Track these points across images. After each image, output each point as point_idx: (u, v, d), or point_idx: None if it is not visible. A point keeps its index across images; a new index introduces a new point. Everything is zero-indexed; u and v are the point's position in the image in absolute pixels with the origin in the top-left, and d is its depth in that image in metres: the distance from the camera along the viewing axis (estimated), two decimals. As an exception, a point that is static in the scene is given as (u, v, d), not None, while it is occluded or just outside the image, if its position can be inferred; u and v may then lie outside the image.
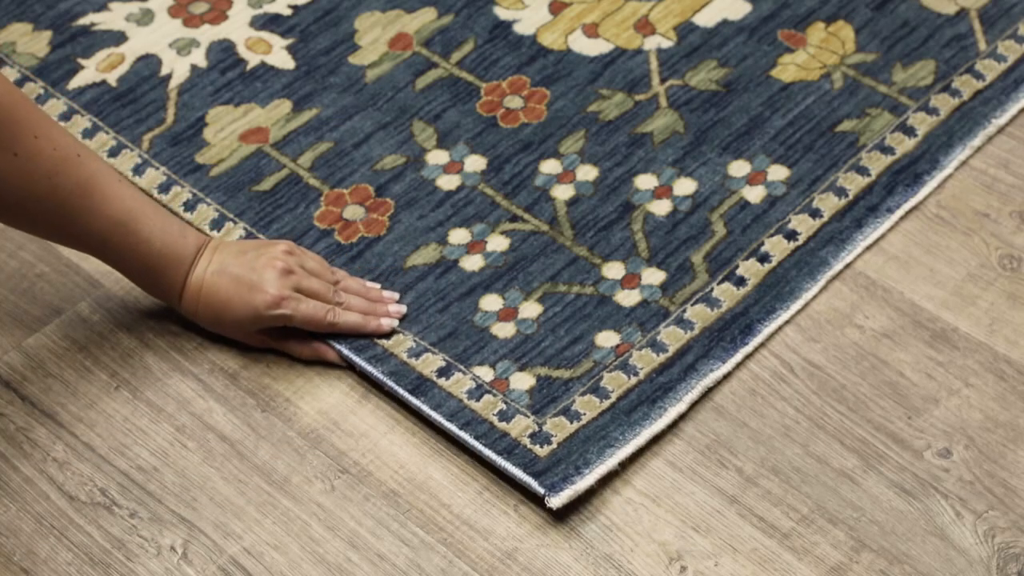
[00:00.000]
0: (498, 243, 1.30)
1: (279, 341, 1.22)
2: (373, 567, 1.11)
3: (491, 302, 1.25)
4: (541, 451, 1.15)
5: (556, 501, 1.12)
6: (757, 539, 1.11)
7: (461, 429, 1.16)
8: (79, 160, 1.14)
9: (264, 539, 1.12)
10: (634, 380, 1.19)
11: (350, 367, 1.22)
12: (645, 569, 1.10)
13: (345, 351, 1.22)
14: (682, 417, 1.18)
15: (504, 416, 1.17)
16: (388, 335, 1.22)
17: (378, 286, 1.26)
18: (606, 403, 1.18)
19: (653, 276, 1.26)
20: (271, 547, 1.12)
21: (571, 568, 1.10)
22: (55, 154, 1.12)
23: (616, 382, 1.19)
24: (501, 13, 1.49)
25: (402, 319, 1.24)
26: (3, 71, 1.45)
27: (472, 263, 1.28)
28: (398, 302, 1.25)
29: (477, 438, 1.16)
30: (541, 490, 1.12)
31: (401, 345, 1.22)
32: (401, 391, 1.19)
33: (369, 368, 1.20)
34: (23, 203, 1.12)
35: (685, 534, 1.11)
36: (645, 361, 1.20)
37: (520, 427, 1.16)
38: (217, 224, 1.32)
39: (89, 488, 1.16)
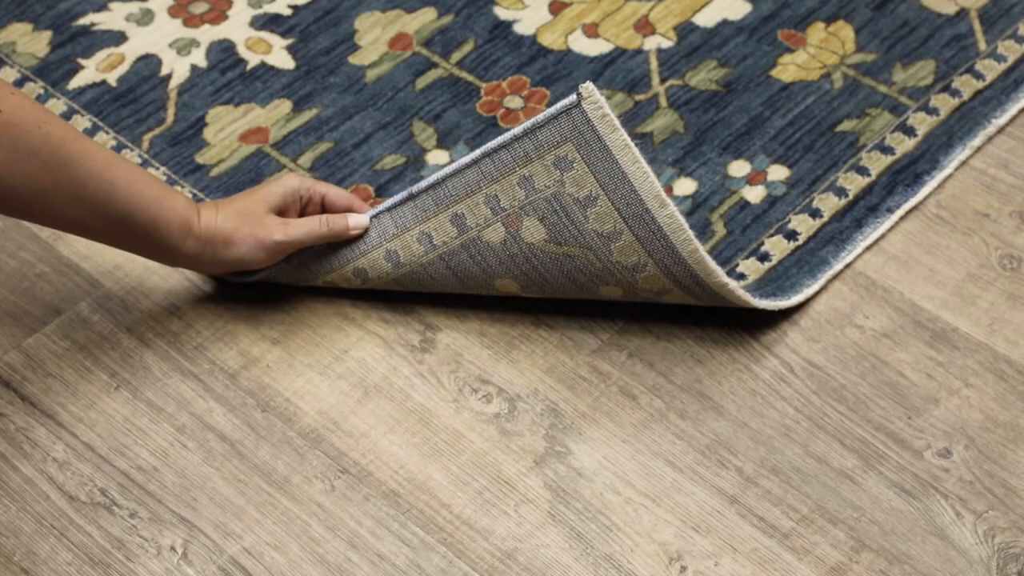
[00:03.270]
0: (498, 243, 1.30)
1: (300, 220, 1.21)
2: (373, 567, 1.11)
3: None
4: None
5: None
6: (757, 539, 1.11)
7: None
8: (55, 114, 1.13)
9: (264, 539, 1.12)
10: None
11: (350, 369, 1.22)
12: (645, 569, 1.10)
13: (374, 211, 1.22)
14: (682, 417, 1.18)
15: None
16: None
17: None
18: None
19: (653, 276, 1.26)
20: (271, 547, 1.12)
21: (571, 568, 1.10)
22: (35, 107, 1.10)
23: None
24: (501, 13, 1.49)
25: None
26: (3, 71, 1.45)
27: (472, 263, 1.28)
28: None
29: None
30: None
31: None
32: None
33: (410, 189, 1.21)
34: (20, 160, 1.09)
35: (685, 534, 1.11)
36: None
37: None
38: (217, 224, 1.32)
39: (89, 488, 1.16)
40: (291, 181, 1.22)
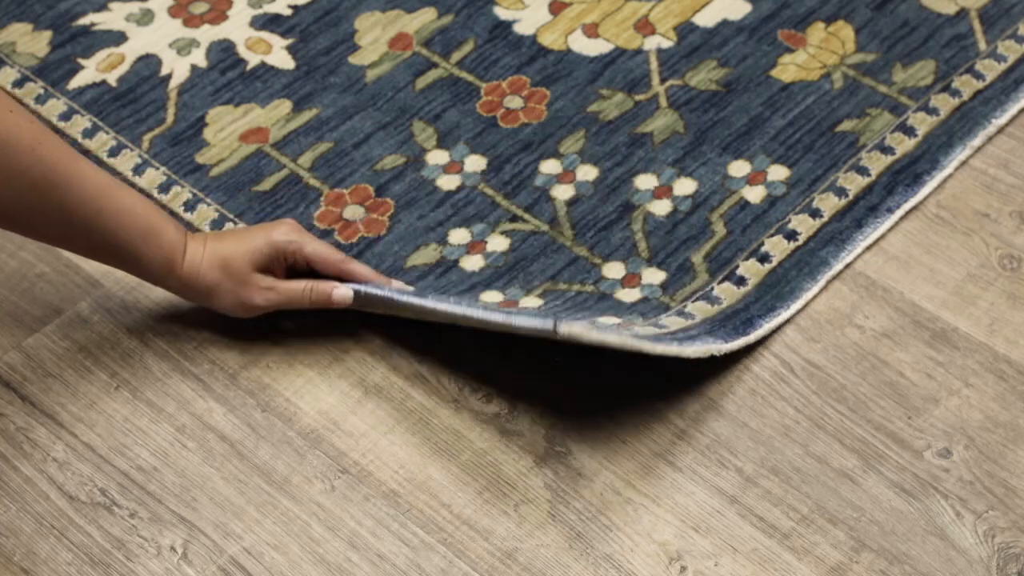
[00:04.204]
0: (498, 243, 1.30)
1: (282, 282, 1.20)
2: (373, 567, 1.11)
3: (491, 299, 1.25)
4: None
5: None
6: (757, 539, 1.11)
7: None
8: (53, 135, 1.12)
9: (264, 539, 1.12)
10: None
11: (349, 371, 1.22)
12: (645, 569, 1.10)
13: (361, 289, 1.21)
14: (682, 417, 1.18)
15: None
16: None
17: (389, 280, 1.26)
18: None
19: (653, 276, 1.26)
20: (271, 547, 1.12)
21: (571, 568, 1.10)
22: (32, 127, 1.10)
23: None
24: (501, 13, 1.49)
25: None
26: (3, 71, 1.45)
27: (472, 263, 1.28)
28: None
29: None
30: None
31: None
32: (416, 299, 1.19)
33: (372, 291, 1.21)
34: (10, 180, 1.08)
35: (685, 534, 1.11)
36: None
37: None
38: (217, 224, 1.32)
39: (89, 488, 1.16)
40: (279, 238, 1.19)
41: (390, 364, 1.22)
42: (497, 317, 1.13)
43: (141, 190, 1.34)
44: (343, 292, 1.21)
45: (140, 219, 1.15)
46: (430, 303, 1.17)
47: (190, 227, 1.31)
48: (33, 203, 1.11)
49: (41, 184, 1.10)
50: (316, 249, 1.20)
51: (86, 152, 1.38)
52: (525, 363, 1.22)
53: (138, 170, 1.36)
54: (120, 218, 1.14)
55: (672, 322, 1.21)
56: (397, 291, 1.20)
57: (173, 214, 1.32)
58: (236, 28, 1.49)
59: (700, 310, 1.23)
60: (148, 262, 1.17)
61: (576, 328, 1.08)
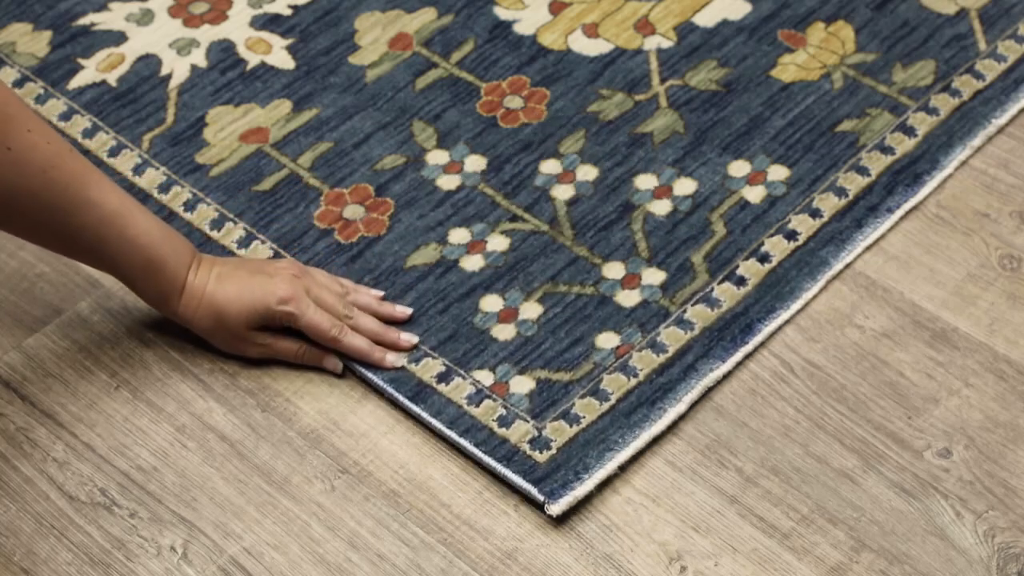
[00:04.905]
0: (498, 243, 1.30)
1: (276, 341, 1.20)
2: (373, 567, 1.11)
3: (491, 303, 1.25)
4: (540, 457, 1.15)
5: (556, 508, 1.12)
6: (757, 539, 1.11)
7: (461, 436, 1.16)
8: (72, 155, 1.12)
9: (264, 539, 1.12)
10: (634, 382, 1.19)
11: (349, 371, 1.22)
12: (645, 569, 1.10)
13: (343, 359, 1.22)
14: (682, 417, 1.18)
15: (504, 422, 1.17)
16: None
17: (393, 308, 1.24)
18: (606, 405, 1.18)
19: (653, 276, 1.26)
20: (271, 547, 1.12)
21: (571, 568, 1.10)
22: (48, 148, 1.10)
23: (616, 384, 1.19)
24: (501, 13, 1.49)
25: (407, 321, 1.24)
26: (3, 71, 1.45)
27: (472, 263, 1.28)
28: (406, 327, 1.23)
29: (477, 445, 1.16)
30: (541, 497, 1.12)
31: None
32: (401, 398, 1.19)
33: (368, 374, 1.20)
34: (17, 199, 1.10)
35: (685, 534, 1.11)
36: (645, 362, 1.20)
37: (519, 433, 1.16)
38: (217, 224, 1.32)
39: (89, 488, 1.16)
40: (276, 307, 1.18)
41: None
42: (480, 455, 1.15)
43: (141, 190, 1.34)
44: (334, 363, 1.21)
45: (141, 252, 1.16)
46: (416, 409, 1.18)
47: (191, 227, 1.31)
48: (40, 222, 1.13)
49: (48, 207, 1.11)
50: (311, 322, 1.19)
51: (86, 152, 1.38)
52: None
53: (138, 170, 1.36)
54: (121, 248, 1.15)
55: (671, 337, 1.21)
56: (389, 381, 1.20)
57: (172, 214, 1.32)
58: (236, 28, 1.49)
59: (700, 316, 1.23)
60: (145, 294, 1.20)
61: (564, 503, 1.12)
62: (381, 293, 1.25)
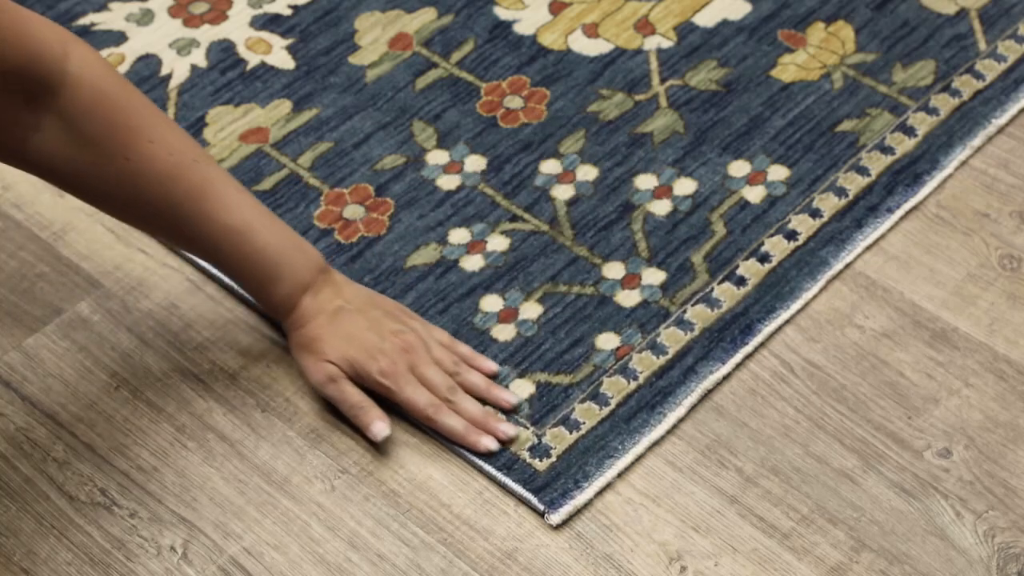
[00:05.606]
0: (498, 243, 1.30)
1: (348, 387, 1.16)
2: (373, 567, 1.11)
3: (491, 303, 1.25)
4: (540, 465, 1.15)
5: (556, 518, 1.12)
6: (757, 539, 1.11)
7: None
8: (195, 166, 1.12)
9: (264, 539, 1.12)
10: (634, 385, 1.19)
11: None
12: (645, 569, 1.10)
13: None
14: (682, 418, 1.18)
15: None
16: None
17: (501, 393, 1.18)
18: (606, 410, 1.18)
19: (653, 276, 1.26)
20: (271, 547, 1.12)
21: (571, 568, 1.10)
22: (169, 159, 1.10)
23: (616, 387, 1.19)
24: (501, 13, 1.49)
25: None
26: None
27: (472, 263, 1.28)
28: (504, 399, 1.19)
29: (476, 454, 1.16)
30: (541, 507, 1.12)
31: None
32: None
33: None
34: (134, 205, 1.12)
35: (685, 534, 1.11)
36: (645, 364, 1.20)
37: (519, 440, 1.16)
38: (217, 224, 1.32)
39: (89, 488, 1.16)
40: (372, 370, 1.15)
41: (390, 364, 1.22)
42: (480, 463, 1.15)
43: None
44: (381, 429, 1.15)
45: (257, 269, 1.16)
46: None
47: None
48: (158, 226, 1.16)
49: (165, 215, 1.13)
50: (408, 401, 1.16)
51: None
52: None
53: (138, 170, 1.36)
54: (236, 262, 1.16)
55: (670, 338, 1.21)
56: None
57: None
58: (236, 28, 1.49)
59: (700, 316, 1.23)
60: (259, 303, 1.21)
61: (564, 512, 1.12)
62: (495, 369, 1.20)
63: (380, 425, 1.15)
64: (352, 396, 1.16)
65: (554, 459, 1.15)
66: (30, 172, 1.11)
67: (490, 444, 1.15)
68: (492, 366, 1.20)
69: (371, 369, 1.15)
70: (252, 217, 1.14)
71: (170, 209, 1.12)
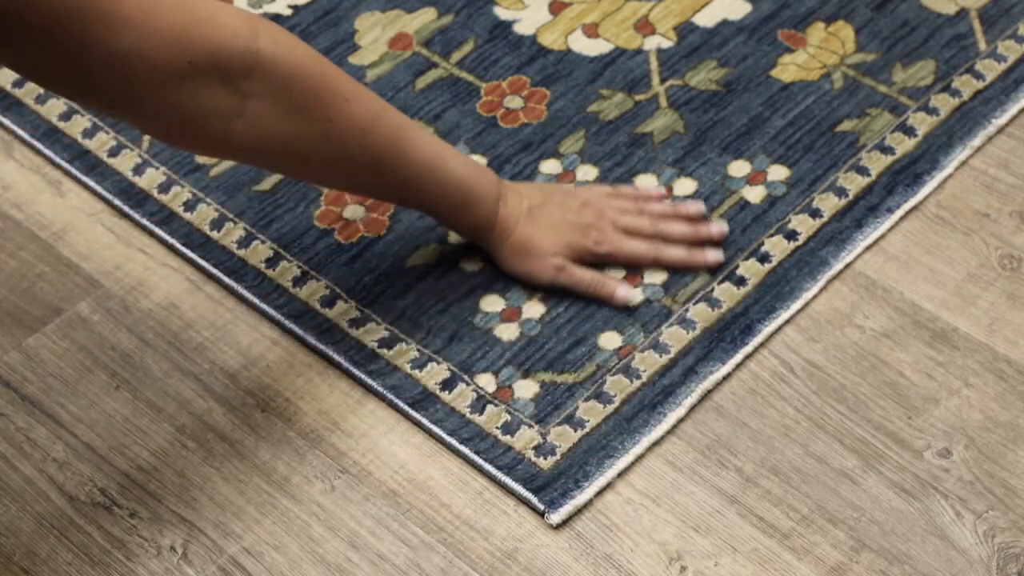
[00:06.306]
0: (498, 243, 1.30)
1: (576, 269, 1.24)
2: (373, 567, 1.11)
3: (492, 303, 1.25)
4: (545, 463, 1.15)
5: (556, 518, 1.12)
6: (757, 539, 1.11)
7: (463, 444, 1.16)
8: (386, 115, 1.16)
9: (264, 539, 1.12)
10: (636, 384, 1.19)
11: (348, 373, 1.22)
12: (645, 569, 1.10)
13: (345, 363, 1.21)
14: (682, 418, 1.18)
15: (508, 428, 1.17)
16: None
17: (682, 207, 1.29)
18: (609, 408, 1.18)
19: (655, 275, 1.26)
20: (271, 547, 1.12)
21: (571, 568, 1.10)
22: (366, 113, 1.14)
23: (618, 386, 1.19)
24: (501, 13, 1.49)
25: (398, 320, 1.24)
26: (3, 71, 1.45)
27: (472, 263, 1.28)
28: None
29: (479, 453, 1.16)
30: (541, 506, 1.12)
31: (404, 356, 1.22)
32: (402, 404, 1.19)
33: (370, 381, 1.20)
34: (338, 163, 1.15)
35: (685, 534, 1.11)
36: (647, 363, 1.20)
37: (524, 439, 1.16)
38: (217, 224, 1.32)
39: (89, 488, 1.16)
40: (589, 244, 1.24)
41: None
42: (482, 463, 1.16)
43: (141, 190, 1.34)
44: (628, 292, 1.24)
45: (455, 194, 1.21)
46: (417, 416, 1.18)
47: (191, 227, 1.31)
48: (358, 181, 1.19)
49: (367, 168, 1.16)
50: (632, 255, 1.25)
51: (85, 152, 1.38)
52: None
53: (138, 170, 1.36)
54: (437, 192, 1.20)
55: (672, 337, 1.21)
56: (389, 388, 1.20)
57: (172, 214, 1.32)
58: (236, 28, 1.49)
59: (701, 315, 1.23)
60: (460, 229, 1.26)
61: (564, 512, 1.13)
62: (661, 191, 1.30)
63: (624, 290, 1.23)
64: (586, 275, 1.24)
65: (558, 457, 1.15)
66: (234, 159, 1.18)
67: (717, 256, 1.26)
68: (651, 190, 1.30)
69: (587, 244, 1.24)
70: (441, 148, 1.20)
71: (372, 160, 1.15)
